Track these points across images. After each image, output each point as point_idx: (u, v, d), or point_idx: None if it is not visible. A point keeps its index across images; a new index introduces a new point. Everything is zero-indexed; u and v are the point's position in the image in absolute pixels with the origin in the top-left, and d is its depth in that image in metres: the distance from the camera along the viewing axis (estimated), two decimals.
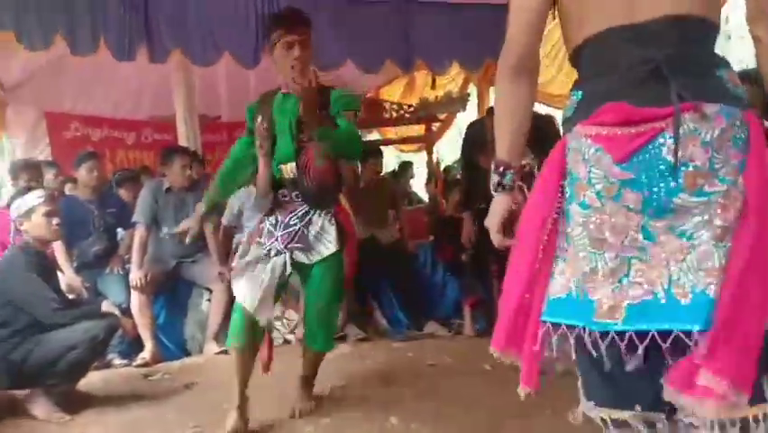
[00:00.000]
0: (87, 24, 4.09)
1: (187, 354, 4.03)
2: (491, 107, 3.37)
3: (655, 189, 1.13)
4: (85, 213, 4.09)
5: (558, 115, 6.50)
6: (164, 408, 3.00)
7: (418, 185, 8.20)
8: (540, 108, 6.10)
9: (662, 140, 1.12)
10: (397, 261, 4.46)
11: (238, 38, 4.57)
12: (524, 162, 1.36)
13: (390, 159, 9.30)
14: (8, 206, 4.04)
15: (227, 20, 4.51)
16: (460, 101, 6.38)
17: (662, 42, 1.16)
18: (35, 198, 3.07)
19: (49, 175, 4.74)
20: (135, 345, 3.85)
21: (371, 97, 7.68)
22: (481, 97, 6.19)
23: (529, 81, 1.33)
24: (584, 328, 1.19)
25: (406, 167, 7.49)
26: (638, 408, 1.19)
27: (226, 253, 4.24)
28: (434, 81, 6.01)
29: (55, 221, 3.09)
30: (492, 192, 1.36)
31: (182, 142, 5.32)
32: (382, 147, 5.78)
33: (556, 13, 1.30)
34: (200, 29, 4.47)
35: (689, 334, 1.08)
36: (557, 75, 5.53)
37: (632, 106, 1.15)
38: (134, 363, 3.70)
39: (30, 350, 2.86)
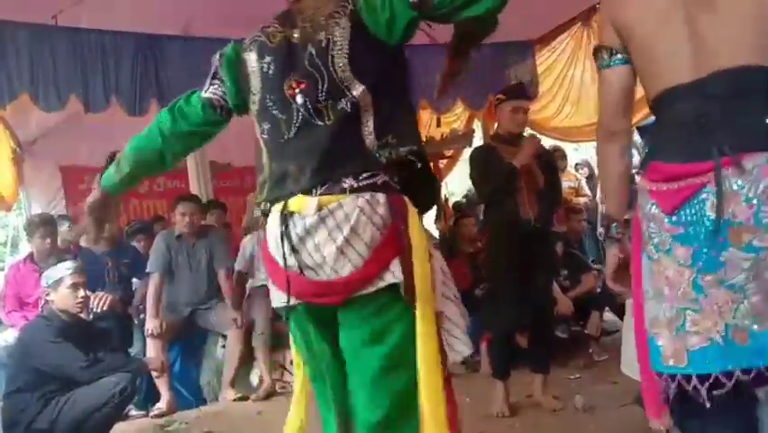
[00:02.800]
0: (100, 84, 4.23)
1: (204, 401, 4.02)
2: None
3: (703, 245, 1.21)
4: (100, 265, 4.15)
5: (567, 148, 6.56)
6: None
7: (428, 222, 8.23)
8: (547, 143, 6.18)
9: (704, 195, 1.20)
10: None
11: None
12: (627, 216, 1.46)
13: None
14: (25, 260, 4.12)
15: None
16: (465, 137, 6.45)
17: (714, 96, 1.23)
18: (64, 268, 3.15)
19: (63, 228, 4.82)
20: (151, 395, 3.85)
21: None
22: (486, 132, 6.25)
23: (622, 142, 1.45)
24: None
25: None
26: None
27: (240, 299, 4.27)
28: (438, 120, 6.09)
29: (81, 294, 3.15)
30: (605, 243, 1.53)
31: (194, 188, 5.42)
32: None
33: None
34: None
35: (748, 372, 1.18)
36: (562, 108, 5.59)
37: (674, 165, 1.24)
38: (151, 414, 3.70)
39: (57, 414, 2.88)
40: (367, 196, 1.34)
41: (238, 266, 4.39)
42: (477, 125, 6.59)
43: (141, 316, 4.06)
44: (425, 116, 7.27)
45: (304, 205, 1.35)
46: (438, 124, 6.23)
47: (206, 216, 4.65)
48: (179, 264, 4.12)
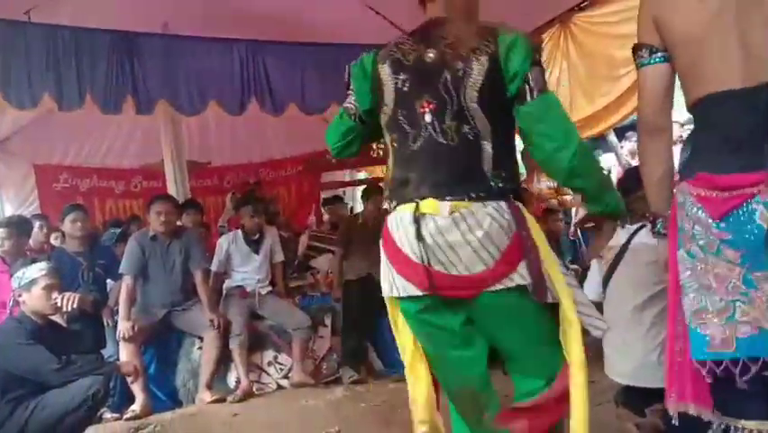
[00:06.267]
0: (74, 81, 4.15)
1: (180, 403, 3.97)
2: None
3: (751, 249, 1.28)
4: (73, 265, 4.07)
5: None
6: None
7: None
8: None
9: (754, 205, 1.28)
10: None
11: (224, 87, 4.65)
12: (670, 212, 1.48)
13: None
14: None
15: (212, 71, 4.59)
16: None
17: (758, 108, 1.29)
18: (37, 270, 3.09)
19: (35, 228, 4.74)
20: (126, 397, 3.80)
21: None
22: None
23: (664, 138, 1.49)
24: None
25: None
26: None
27: (216, 300, 4.23)
28: None
29: (54, 295, 3.10)
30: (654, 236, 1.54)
31: (171, 188, 5.36)
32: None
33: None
34: (186, 80, 4.54)
35: None
36: None
37: (723, 176, 1.30)
38: (125, 417, 3.64)
39: (27, 419, 2.81)
40: (494, 204, 1.51)
41: (214, 267, 4.36)
42: None
43: (116, 317, 4.00)
44: None
45: (437, 207, 1.51)
46: None
47: (182, 217, 4.58)
48: (154, 265, 4.07)
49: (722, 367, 1.32)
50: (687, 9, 1.38)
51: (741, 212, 1.28)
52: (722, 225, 1.30)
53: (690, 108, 1.44)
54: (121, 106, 4.37)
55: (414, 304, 1.60)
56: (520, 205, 1.57)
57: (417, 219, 1.52)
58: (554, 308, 1.57)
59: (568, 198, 6.28)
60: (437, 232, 1.50)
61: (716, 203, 1.31)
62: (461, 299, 1.55)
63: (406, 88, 1.59)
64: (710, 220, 1.32)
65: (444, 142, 1.55)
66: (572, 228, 5.93)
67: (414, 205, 1.54)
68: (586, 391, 1.56)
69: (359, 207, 6.33)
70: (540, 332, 1.58)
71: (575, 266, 4.70)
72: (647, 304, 2.45)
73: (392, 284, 1.61)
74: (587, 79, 5.19)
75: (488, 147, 1.54)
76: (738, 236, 1.29)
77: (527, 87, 1.50)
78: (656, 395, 2.42)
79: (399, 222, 1.58)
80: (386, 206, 1.68)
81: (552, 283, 1.53)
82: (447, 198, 1.51)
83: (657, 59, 1.44)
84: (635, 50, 1.49)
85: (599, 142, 6.91)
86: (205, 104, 4.62)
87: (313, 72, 4.83)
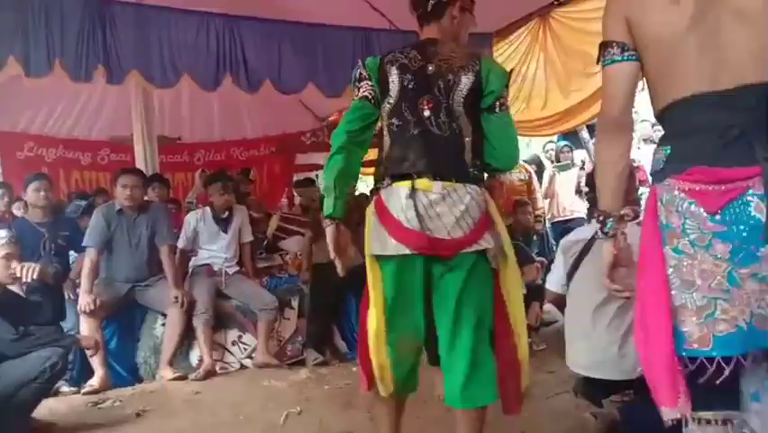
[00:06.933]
0: (43, 46, 4.02)
1: (140, 380, 3.93)
2: None
3: (744, 241, 1.30)
4: (35, 235, 3.98)
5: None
6: None
7: None
8: None
9: (749, 197, 1.30)
10: (360, 282, 4.43)
11: (198, 61, 4.56)
12: (623, 212, 1.50)
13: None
14: None
15: (187, 43, 4.50)
16: None
17: (743, 108, 1.32)
18: None
19: None
20: (85, 371, 3.74)
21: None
22: None
23: (626, 135, 1.50)
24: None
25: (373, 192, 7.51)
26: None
27: (182, 277, 4.18)
28: None
29: (13, 265, 3.03)
30: (598, 237, 1.52)
31: (139, 162, 5.25)
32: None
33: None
34: (159, 51, 4.44)
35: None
36: (514, 103, 5.66)
37: (721, 169, 1.32)
38: (83, 391, 3.59)
39: None
40: (472, 186, 1.94)
41: (181, 243, 4.30)
42: None
43: (77, 290, 3.92)
44: None
45: (430, 185, 1.90)
46: None
47: (148, 191, 4.50)
48: (119, 239, 3.99)
49: (696, 364, 1.33)
50: (659, 11, 1.39)
51: (736, 204, 1.30)
52: (717, 217, 1.32)
53: (664, 110, 1.44)
54: (92, 75, 4.27)
55: (397, 262, 1.96)
56: (485, 190, 2.01)
57: (413, 194, 1.91)
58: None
59: (538, 195, 6.36)
60: (429, 204, 1.90)
61: (712, 197, 1.33)
62: (439, 258, 1.94)
63: (411, 87, 1.99)
64: (705, 214, 1.33)
65: (438, 133, 1.96)
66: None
67: (410, 182, 1.92)
68: (526, 350, 2.00)
69: None
70: (490, 295, 1.98)
71: (541, 258, 4.76)
72: (610, 298, 2.50)
73: (384, 244, 1.95)
74: (563, 74, 5.24)
75: (468, 141, 1.97)
76: (733, 229, 1.31)
77: (498, 102, 1.97)
78: (614, 387, 2.49)
79: (396, 195, 1.95)
80: (378, 184, 2.03)
81: (505, 253, 1.98)
82: (438, 178, 1.91)
83: (629, 57, 1.44)
84: (604, 47, 1.48)
85: (572, 137, 6.99)
86: (178, 77, 4.53)
87: (290, 51, 4.78)
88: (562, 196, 6.44)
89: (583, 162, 6.47)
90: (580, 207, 5.86)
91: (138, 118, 5.27)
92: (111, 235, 3.98)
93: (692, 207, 1.35)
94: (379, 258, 1.98)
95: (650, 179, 1.48)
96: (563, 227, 5.81)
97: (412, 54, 2.02)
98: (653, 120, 6.15)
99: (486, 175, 2.05)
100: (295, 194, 6.92)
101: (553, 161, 6.99)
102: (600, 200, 1.51)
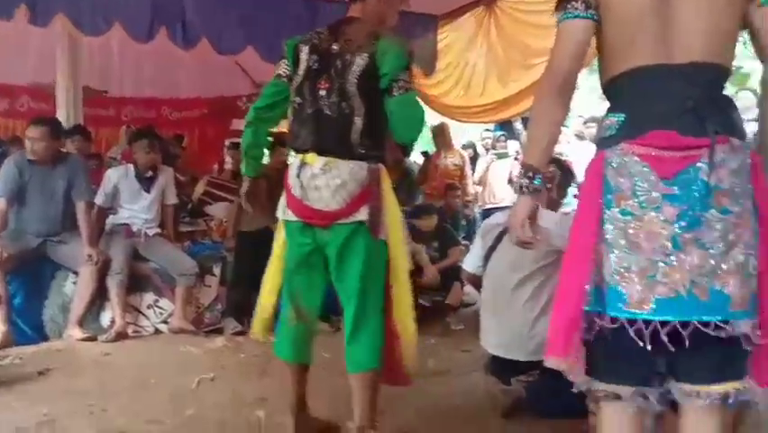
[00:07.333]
0: None
1: (45, 338, 3.75)
2: None
3: (691, 205, 1.33)
4: None
5: (453, 127, 6.71)
6: (12, 394, 2.78)
7: None
8: (436, 118, 6.31)
9: (699, 164, 1.34)
10: None
11: (131, 9, 4.33)
12: (550, 170, 1.48)
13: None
14: None
15: None
16: None
17: (695, 83, 1.37)
18: None
19: None
20: None
21: None
22: None
23: (567, 100, 1.49)
24: (604, 315, 1.38)
25: None
26: (634, 384, 1.41)
27: (98, 235, 4.00)
28: None
29: None
30: (516, 194, 1.51)
31: (60, 112, 4.98)
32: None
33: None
34: None
35: (706, 324, 1.31)
36: (453, 89, 5.71)
37: (677, 135, 1.35)
38: None
39: None
40: (355, 163, 2.05)
41: (99, 200, 4.11)
42: None
43: None
44: None
45: (315, 160, 2.06)
46: None
47: (65, 143, 4.26)
48: (32, 190, 3.77)
49: (634, 327, 1.34)
50: None
51: (688, 171, 1.34)
52: (670, 181, 1.35)
53: (619, 77, 1.44)
54: (12, 13, 3.98)
55: (291, 226, 2.17)
56: (381, 168, 2.11)
57: (301, 167, 2.09)
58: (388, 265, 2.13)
59: (470, 180, 6.47)
60: (311, 177, 2.06)
61: (666, 162, 1.35)
62: (321, 228, 2.11)
63: (314, 67, 2.10)
64: (658, 177, 1.35)
65: (329, 113, 2.08)
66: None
67: (302, 156, 2.10)
68: (409, 327, 2.16)
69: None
70: (372, 266, 2.09)
71: (467, 242, 4.86)
72: (525, 281, 2.58)
73: (283, 210, 2.18)
74: (503, 64, 5.32)
75: (358, 122, 2.06)
76: (683, 193, 1.34)
77: (394, 84, 2.02)
78: (522, 367, 2.59)
79: (293, 167, 2.14)
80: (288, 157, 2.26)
81: (388, 229, 2.10)
82: (322, 155, 2.05)
83: (591, 15, 1.43)
84: (566, 0, 1.45)
85: (507, 127, 7.13)
86: (109, 24, 4.30)
87: (232, 10, 4.61)
88: (495, 184, 6.57)
89: (517, 153, 6.62)
90: (510, 196, 6.00)
91: (63, 66, 4.99)
92: (23, 185, 3.75)
93: (645, 170, 1.36)
94: (284, 221, 2.20)
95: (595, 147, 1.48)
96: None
97: (324, 34, 2.13)
98: (587, 117, 6.37)
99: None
100: (226, 159, 6.75)
101: (488, 149, 7.13)
102: (530, 156, 1.50)
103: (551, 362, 1.39)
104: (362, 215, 2.06)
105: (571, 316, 1.39)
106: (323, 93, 2.07)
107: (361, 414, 2.09)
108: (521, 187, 1.48)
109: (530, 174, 1.47)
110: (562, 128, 1.64)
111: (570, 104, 1.51)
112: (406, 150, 4.85)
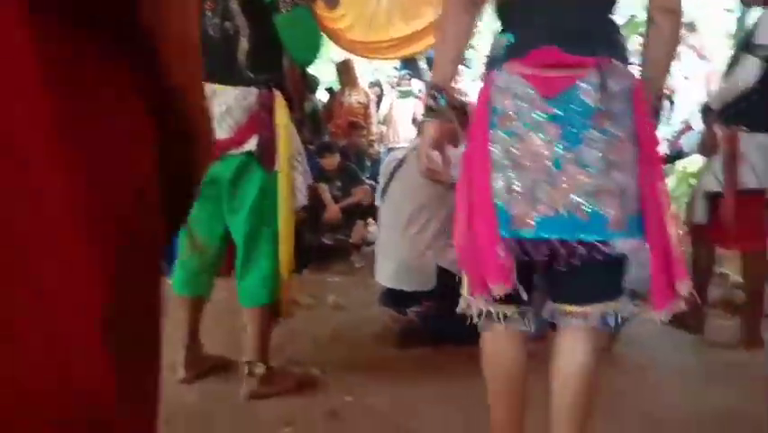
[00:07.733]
0: None
1: None
2: None
3: (573, 124, 1.33)
4: None
5: (359, 63, 6.60)
6: None
7: None
8: (341, 54, 6.18)
9: (583, 85, 1.33)
10: None
11: None
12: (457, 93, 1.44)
13: None
14: None
15: None
16: None
17: (582, 4, 1.40)
18: None
19: None
20: None
21: None
22: None
23: (474, 15, 1.47)
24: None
25: None
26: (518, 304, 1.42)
27: None
28: None
29: None
30: (422, 117, 1.46)
31: None
32: None
33: None
34: None
35: (584, 244, 1.33)
36: (356, 23, 5.58)
37: (562, 53, 1.34)
38: None
39: None
40: (241, 89, 1.97)
41: None
42: None
43: None
44: None
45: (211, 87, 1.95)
46: None
47: None
48: None
49: (522, 246, 1.34)
50: None
51: (571, 91, 1.34)
52: (552, 101, 1.35)
53: (503, 4, 1.45)
54: None
55: None
56: (276, 93, 2.02)
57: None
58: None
59: (374, 119, 6.44)
60: None
61: (549, 81, 1.35)
62: (218, 158, 1.99)
63: None
64: (541, 97, 1.35)
65: (213, 35, 1.98)
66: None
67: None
68: (286, 263, 2.08)
69: None
70: (264, 199, 2.03)
71: (371, 182, 4.89)
72: (417, 212, 2.62)
73: None
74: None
75: (245, 42, 1.98)
76: (565, 113, 1.34)
77: (281, 0, 1.92)
78: (414, 297, 2.66)
79: None
80: None
81: (280, 160, 2.03)
82: (208, 80, 1.89)
83: None
84: None
85: (412, 66, 7.11)
86: None
87: None
88: (400, 123, 6.58)
89: (420, 91, 6.63)
90: (414, 136, 6.03)
91: None
92: None
93: (528, 90, 1.36)
94: None
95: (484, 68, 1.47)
96: None
97: None
98: None
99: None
100: None
101: (393, 87, 7.09)
102: (435, 74, 1.48)
103: (497, 289, 1.34)
104: (251, 145, 1.99)
105: (492, 239, 1.36)
106: (209, 14, 1.98)
107: (251, 348, 2.08)
108: (427, 109, 1.46)
109: (434, 93, 1.44)
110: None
111: (476, 19, 1.49)
112: (312, 84, 4.66)
